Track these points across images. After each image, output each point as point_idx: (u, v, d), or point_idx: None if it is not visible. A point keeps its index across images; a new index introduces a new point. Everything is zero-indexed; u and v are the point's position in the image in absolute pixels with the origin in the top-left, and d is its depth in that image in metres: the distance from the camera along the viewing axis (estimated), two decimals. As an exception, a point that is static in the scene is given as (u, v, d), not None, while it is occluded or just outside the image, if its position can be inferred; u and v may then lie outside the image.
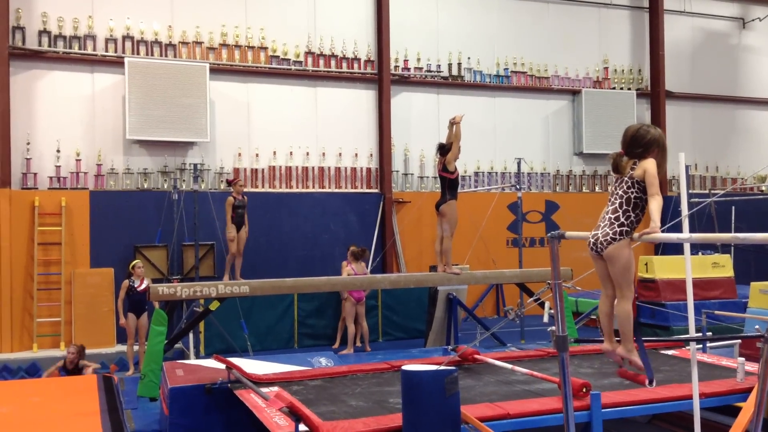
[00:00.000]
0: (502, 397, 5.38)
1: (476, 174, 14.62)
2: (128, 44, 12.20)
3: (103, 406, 6.27)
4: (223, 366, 6.34)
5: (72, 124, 11.79)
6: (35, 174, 11.50)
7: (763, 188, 17.07)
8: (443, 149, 8.53)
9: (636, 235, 4.14)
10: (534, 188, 15.08)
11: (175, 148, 12.35)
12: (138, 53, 12.21)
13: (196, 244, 11.55)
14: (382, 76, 13.71)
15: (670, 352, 7.18)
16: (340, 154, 13.55)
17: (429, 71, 14.32)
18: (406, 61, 14.14)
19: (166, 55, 12.40)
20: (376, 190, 13.75)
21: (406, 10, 14.19)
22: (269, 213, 12.63)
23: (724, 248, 13.16)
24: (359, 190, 13.67)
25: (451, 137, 8.53)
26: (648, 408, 5.40)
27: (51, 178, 11.62)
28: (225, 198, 10.89)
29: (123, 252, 11.58)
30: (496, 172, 14.78)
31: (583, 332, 10.55)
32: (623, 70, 16.11)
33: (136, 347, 9.81)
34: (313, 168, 13.34)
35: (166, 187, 12.13)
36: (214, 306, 7.97)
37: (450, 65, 14.51)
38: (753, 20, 17.24)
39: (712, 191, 15.81)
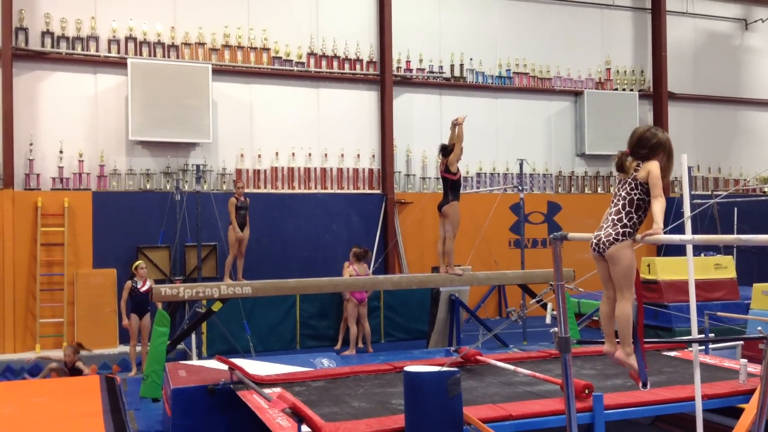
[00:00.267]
0: (505, 398, 5.38)
1: (478, 175, 14.62)
2: (131, 45, 12.22)
3: (105, 406, 6.29)
4: (225, 367, 6.34)
5: (75, 125, 11.82)
6: (38, 175, 11.52)
7: (766, 189, 17.06)
8: (445, 150, 8.54)
9: (639, 236, 4.14)
10: (536, 189, 15.08)
11: (177, 149, 12.37)
12: (141, 54, 12.23)
13: (198, 244, 11.57)
14: (384, 77, 13.72)
15: (672, 354, 7.17)
16: (342, 155, 13.55)
17: (431, 72, 14.33)
18: (408, 62, 14.16)
19: (168, 56, 12.42)
20: (378, 191, 13.76)
21: (408, 11, 14.20)
22: (271, 214, 12.64)
23: (726, 249, 13.15)
24: (361, 191, 13.68)
25: (454, 138, 8.54)
26: (651, 409, 5.39)
27: (54, 178, 11.64)
28: (227, 199, 10.93)
29: (125, 253, 11.59)
30: (499, 173, 14.78)
31: (586, 334, 10.54)
32: (625, 71, 16.10)
33: (138, 348, 9.82)
34: (315, 169, 13.35)
35: (168, 188, 12.15)
36: (216, 307, 7.98)
37: (452, 66, 14.52)
38: (755, 21, 17.23)
39: (715, 192, 15.79)
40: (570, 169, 15.49)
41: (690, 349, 6.88)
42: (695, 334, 5.23)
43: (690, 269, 5.00)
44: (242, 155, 12.83)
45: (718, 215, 13.76)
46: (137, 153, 12.19)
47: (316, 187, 13.35)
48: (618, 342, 4.41)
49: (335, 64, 13.61)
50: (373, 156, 13.80)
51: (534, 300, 9.10)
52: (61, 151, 11.67)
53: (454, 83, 14.52)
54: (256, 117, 13.02)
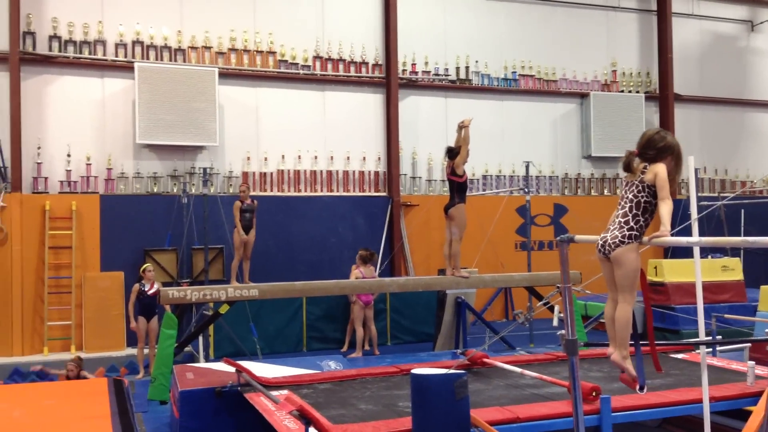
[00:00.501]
0: (512, 400, 5.38)
1: (484, 177, 14.62)
2: (138, 49, 12.27)
3: (113, 409, 6.31)
4: (233, 369, 6.36)
5: (82, 129, 11.87)
6: (46, 178, 11.58)
7: (773, 191, 17.00)
8: (452, 153, 8.55)
9: (646, 238, 4.15)
10: (542, 191, 15.07)
11: (184, 152, 12.41)
12: (147, 58, 12.28)
13: (205, 247, 11.60)
14: (389, 80, 13.74)
15: (679, 356, 7.17)
16: (348, 158, 13.58)
17: (437, 75, 14.34)
18: (413, 64, 14.17)
19: (175, 60, 12.47)
20: (384, 194, 13.77)
21: (414, 14, 14.22)
22: (278, 216, 12.66)
23: (733, 251, 13.11)
24: (367, 193, 13.69)
25: (460, 141, 8.55)
26: (658, 412, 5.39)
27: (61, 182, 11.70)
28: (234, 202, 10.97)
29: (133, 256, 11.64)
30: (505, 176, 14.78)
31: (592, 336, 10.53)
32: (631, 73, 16.09)
33: (146, 351, 9.85)
34: (321, 171, 13.38)
35: (175, 191, 12.19)
36: (223, 309, 8.01)
37: (458, 69, 14.53)
38: (762, 23, 17.19)
39: (722, 194, 15.76)
40: (576, 171, 15.48)
41: (697, 351, 6.87)
42: (703, 337, 5.23)
43: (697, 271, 5.00)
44: (248, 158, 12.86)
45: (725, 217, 13.72)
46: (144, 156, 12.24)
47: (322, 190, 13.37)
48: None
49: (341, 67, 13.64)
50: (379, 159, 13.82)
51: (541, 303, 9.09)
52: (68, 155, 11.72)
53: (460, 86, 14.53)
54: (262, 120, 13.06)
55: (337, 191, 13.49)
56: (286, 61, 13.26)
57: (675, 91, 16.04)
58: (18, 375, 10.13)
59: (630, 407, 5.23)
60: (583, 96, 15.45)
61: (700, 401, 5.03)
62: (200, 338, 9.69)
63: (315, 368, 7.18)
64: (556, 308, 8.96)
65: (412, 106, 14.17)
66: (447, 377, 4.23)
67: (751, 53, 17.25)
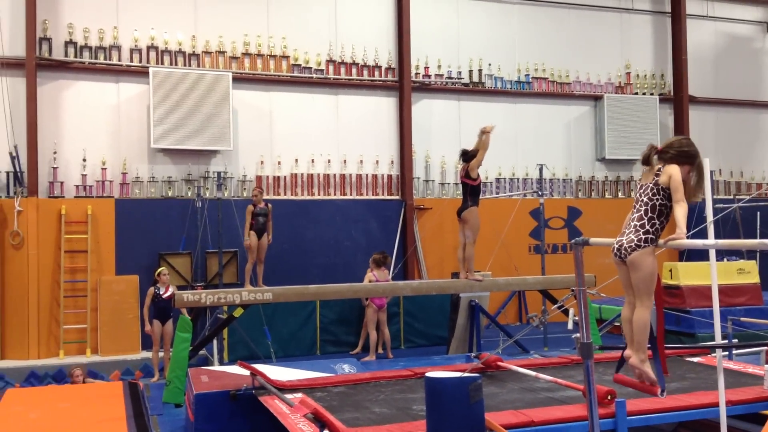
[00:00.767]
0: (526, 404, 5.37)
1: (498, 180, 14.60)
2: (153, 54, 12.35)
3: (129, 411, 6.37)
4: (247, 372, 6.39)
5: (98, 134, 11.96)
6: (62, 183, 11.67)
7: (789, 193, 16.86)
8: (466, 155, 8.54)
9: (661, 241, 4.13)
10: (556, 194, 15.03)
11: (198, 157, 12.48)
12: (162, 63, 12.36)
13: (219, 251, 11.65)
14: (402, 84, 13.75)
15: (695, 360, 7.12)
16: (361, 161, 13.60)
17: (450, 78, 14.34)
18: (426, 68, 14.18)
19: (189, 65, 12.55)
20: (397, 197, 13.78)
21: (427, 17, 14.23)
22: (291, 220, 12.70)
23: (749, 254, 13.01)
24: (380, 197, 13.71)
25: (479, 145, 8.54)
26: (674, 416, 5.35)
27: (77, 186, 11.79)
28: (248, 206, 11.01)
29: (148, 259, 11.71)
30: (518, 179, 14.74)
31: (607, 339, 10.48)
32: (645, 76, 16.01)
33: (161, 354, 9.91)
34: (334, 175, 13.40)
35: (189, 195, 12.26)
36: (238, 313, 8.04)
37: (471, 72, 14.53)
38: (777, 24, 17.07)
39: (737, 197, 15.64)
40: (590, 174, 15.42)
41: (713, 354, 6.82)
42: (719, 340, 5.19)
43: (713, 274, 4.97)
44: (262, 162, 12.91)
45: (741, 220, 13.62)
46: (159, 161, 12.32)
47: (335, 194, 13.40)
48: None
49: (354, 70, 13.67)
50: (392, 162, 13.83)
51: (556, 306, 9.06)
52: (84, 159, 11.82)
53: (473, 89, 14.52)
54: (275, 124, 13.10)
55: (351, 195, 13.51)
56: (300, 65, 13.30)
57: (689, 93, 15.95)
58: (34, 378, 10.22)
59: (645, 411, 5.20)
60: (597, 98, 15.40)
61: (716, 405, 4.99)
62: (214, 341, 9.74)
63: (329, 371, 7.20)
64: (571, 311, 8.93)
65: (425, 109, 14.17)
66: (461, 380, 4.23)
67: (766, 54, 17.12)
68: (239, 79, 12.74)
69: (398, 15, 13.91)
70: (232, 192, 12.64)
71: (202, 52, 12.68)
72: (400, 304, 11.70)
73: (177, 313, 9.01)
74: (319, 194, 13.26)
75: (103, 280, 11.40)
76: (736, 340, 7.48)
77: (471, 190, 8.48)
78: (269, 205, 11.03)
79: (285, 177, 13.05)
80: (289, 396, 5.68)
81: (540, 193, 12.29)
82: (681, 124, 15.78)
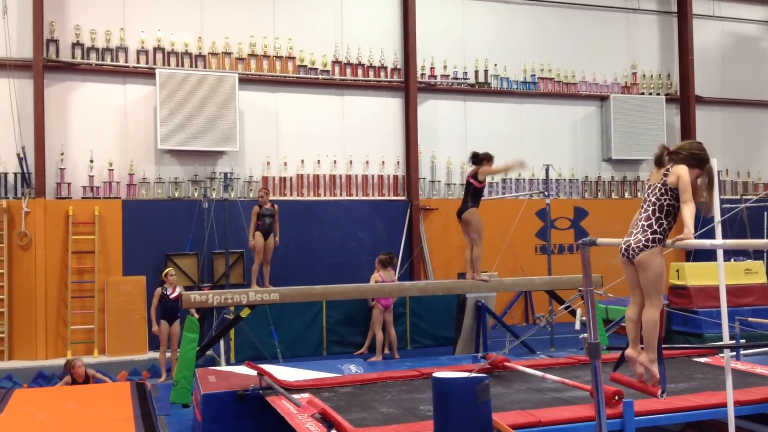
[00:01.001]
0: (534, 404, 5.37)
1: (504, 181, 14.58)
2: (159, 55, 12.39)
3: (136, 412, 6.39)
4: (254, 372, 6.40)
5: (105, 135, 12.00)
6: (69, 184, 11.71)
7: (797, 193, 16.79)
8: (476, 158, 8.55)
9: (669, 241, 4.13)
10: (562, 195, 15.01)
11: (205, 158, 12.51)
12: (169, 64, 12.40)
13: (226, 252, 11.67)
14: (408, 84, 13.76)
15: (702, 360, 7.11)
16: (367, 162, 13.61)
17: (455, 78, 14.34)
18: (432, 68, 14.18)
19: (196, 66, 12.58)
20: (403, 198, 13.79)
21: (432, 17, 14.24)
22: (297, 221, 12.71)
23: (756, 254, 12.97)
24: (386, 197, 13.71)
25: (503, 166, 8.69)
26: (681, 416, 5.35)
27: (84, 187, 11.83)
28: (254, 206, 11.03)
29: (154, 260, 11.74)
30: (524, 179, 14.72)
31: (614, 340, 10.46)
32: (652, 76, 15.98)
33: (168, 354, 9.94)
34: (340, 176, 13.41)
35: (196, 195, 12.29)
36: (245, 313, 8.05)
37: (476, 72, 14.52)
38: (784, 23, 17.01)
39: (744, 197, 15.59)
40: (596, 174, 15.39)
41: (721, 355, 6.81)
42: (726, 340, 5.18)
43: (721, 274, 4.96)
44: (268, 163, 12.94)
45: (748, 220, 13.58)
46: (166, 162, 12.35)
47: (341, 194, 13.41)
48: (642, 348, 4.39)
49: (360, 71, 13.68)
50: (398, 162, 13.83)
51: (563, 306, 9.05)
52: (91, 161, 11.86)
53: (479, 89, 14.51)
54: (281, 125, 13.13)
55: (357, 195, 13.52)
56: (306, 66, 13.32)
57: (696, 92, 15.91)
58: (42, 378, 10.26)
59: (653, 411, 5.19)
60: (603, 98, 15.37)
61: (724, 405, 4.98)
62: (221, 342, 9.76)
63: (336, 372, 7.21)
64: (579, 312, 8.92)
65: (431, 109, 14.18)
66: (469, 381, 4.23)
67: (773, 54, 17.07)
68: (245, 80, 12.76)
69: (404, 16, 13.92)
70: (239, 193, 12.67)
71: (209, 53, 12.71)
72: (406, 305, 11.70)
73: (184, 314, 9.03)
74: (325, 195, 13.28)
75: (110, 281, 11.44)
76: (744, 341, 7.46)
77: (474, 191, 8.49)
78: (275, 206, 11.05)
79: (291, 178, 13.07)
80: (296, 396, 5.69)
81: (546, 193, 12.28)
82: (687, 124, 15.75)
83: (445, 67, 14.28)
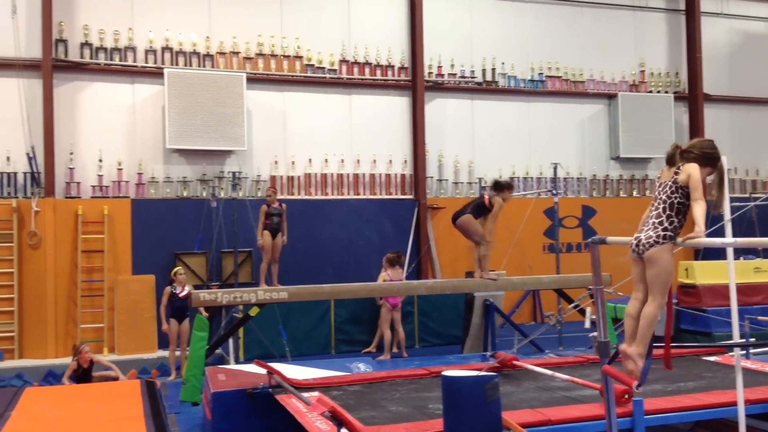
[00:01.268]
0: (543, 403, 5.36)
1: (511, 179, 14.54)
2: (167, 55, 12.43)
3: (146, 410, 6.40)
4: (263, 371, 6.42)
5: (113, 134, 12.06)
6: (78, 183, 11.77)
7: (806, 191, 16.71)
8: (498, 186, 8.52)
9: (680, 239, 4.12)
10: (570, 193, 14.98)
11: (213, 157, 12.55)
12: (177, 64, 12.44)
13: (235, 251, 11.70)
14: (416, 83, 13.76)
15: (712, 359, 7.09)
16: (374, 161, 13.62)
17: (463, 77, 14.33)
18: (439, 67, 14.18)
19: (204, 66, 12.62)
20: (410, 197, 13.79)
21: (440, 16, 14.23)
22: (305, 220, 12.73)
23: (766, 253, 12.91)
24: (394, 196, 13.72)
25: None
26: (691, 415, 5.34)
27: (93, 187, 11.89)
28: (262, 205, 11.06)
29: (163, 259, 11.78)
30: (532, 178, 14.71)
31: (623, 338, 10.43)
32: (660, 74, 15.93)
33: (177, 353, 9.97)
34: (347, 175, 13.43)
35: (204, 195, 12.33)
36: (254, 312, 8.07)
37: (484, 71, 14.51)
38: (793, 20, 16.93)
39: (753, 195, 15.52)
40: (605, 173, 15.36)
41: (730, 353, 6.79)
42: (737, 339, 5.17)
43: (731, 273, 4.95)
44: (276, 162, 12.96)
45: (757, 218, 13.52)
46: (174, 161, 12.40)
47: (348, 193, 13.43)
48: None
49: (367, 70, 13.69)
50: (405, 161, 13.84)
51: (572, 305, 9.04)
52: (100, 160, 11.91)
53: (486, 88, 14.50)
54: (289, 124, 13.15)
55: (364, 194, 13.54)
56: (313, 65, 13.34)
57: (704, 91, 15.86)
58: (52, 377, 10.31)
59: (662, 410, 5.18)
60: (611, 97, 15.34)
61: (734, 404, 4.96)
62: (230, 340, 9.79)
63: (344, 370, 7.22)
64: (588, 310, 8.90)
65: (438, 108, 14.18)
66: (478, 379, 4.23)
67: (782, 52, 17.00)
68: (253, 80, 12.79)
69: (411, 14, 13.92)
70: (247, 192, 12.70)
71: (217, 52, 12.74)
72: (414, 304, 11.70)
73: (193, 312, 9.07)
74: (332, 194, 13.30)
75: (119, 280, 11.49)
76: (754, 339, 7.43)
77: (480, 207, 8.48)
78: (283, 205, 11.07)
79: (299, 177, 13.10)
80: (305, 394, 5.70)
81: (554, 192, 12.27)
82: (696, 123, 15.70)
83: (452, 65, 14.28)
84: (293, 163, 13.09)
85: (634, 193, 15.48)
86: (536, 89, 14.86)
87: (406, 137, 13.90)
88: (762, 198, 13.52)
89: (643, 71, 15.74)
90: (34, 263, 11.25)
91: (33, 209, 11.21)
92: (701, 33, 15.82)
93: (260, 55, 13.01)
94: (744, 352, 6.96)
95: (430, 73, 14.09)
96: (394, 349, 10.84)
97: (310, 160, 13.18)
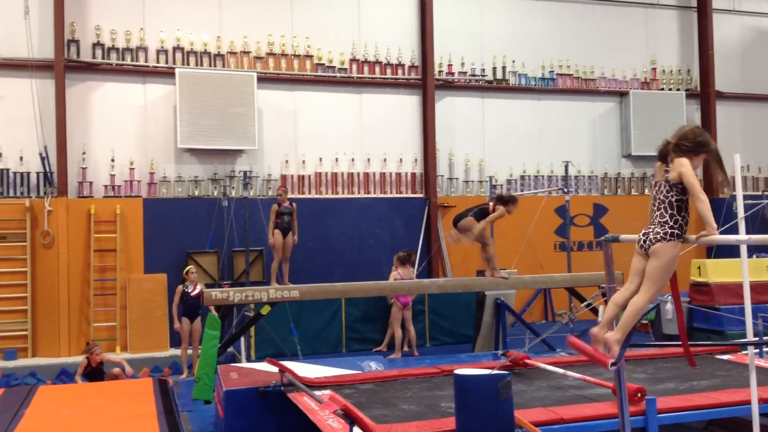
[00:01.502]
0: (555, 402, 5.35)
1: (522, 178, 14.54)
2: (178, 55, 12.48)
3: (159, 408, 6.44)
4: (275, 369, 6.44)
5: (125, 134, 12.12)
6: (91, 183, 11.84)
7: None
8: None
9: (693, 237, 4.10)
10: (582, 191, 14.93)
11: (224, 156, 12.59)
12: (188, 64, 12.48)
13: (246, 249, 11.75)
14: (426, 81, 13.75)
15: (725, 357, 7.06)
16: (385, 160, 13.62)
17: (473, 75, 14.31)
18: (450, 65, 14.16)
19: (215, 65, 12.66)
20: (421, 195, 13.79)
21: (450, 14, 14.21)
22: (316, 219, 12.76)
23: (778, 251, 12.83)
24: (404, 195, 13.72)
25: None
26: (704, 413, 5.31)
27: (106, 186, 11.96)
28: (273, 204, 11.10)
29: (175, 258, 11.84)
30: (543, 176, 14.67)
31: (635, 337, 10.40)
32: (672, 71, 15.85)
33: (189, 351, 10.02)
34: (358, 174, 13.44)
35: (216, 194, 12.37)
36: (265, 310, 8.10)
37: (494, 69, 14.48)
38: (806, 17, 16.79)
39: (766, 193, 15.42)
40: (616, 171, 15.30)
41: (744, 352, 6.75)
42: (750, 337, 5.14)
43: (744, 270, 4.91)
44: (287, 161, 12.99)
45: (770, 216, 13.42)
46: (185, 160, 12.45)
47: (359, 192, 13.44)
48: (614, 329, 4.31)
49: (377, 69, 13.69)
50: (416, 160, 13.84)
51: (584, 303, 9.02)
52: (112, 160, 11.97)
53: (497, 86, 14.47)
54: (300, 123, 13.17)
55: (374, 193, 13.54)
56: (323, 64, 13.36)
57: (716, 88, 15.76)
58: (65, 375, 10.38)
59: (676, 408, 5.16)
60: (623, 94, 15.28)
61: (748, 402, 4.93)
62: (242, 339, 9.82)
63: (356, 369, 7.22)
64: (601, 309, 8.87)
65: (448, 107, 14.16)
66: (490, 378, 4.22)
67: (795, 48, 16.87)
68: (264, 79, 12.82)
69: (421, 13, 13.91)
70: (258, 191, 12.73)
71: (227, 52, 12.78)
72: (425, 302, 11.70)
73: (205, 311, 9.11)
74: (343, 193, 13.31)
75: (131, 279, 11.55)
76: (767, 338, 7.39)
77: (484, 212, 8.55)
78: (294, 204, 11.10)
79: (309, 176, 13.12)
80: (317, 393, 5.71)
81: (565, 190, 12.23)
82: (708, 120, 15.61)
83: (462, 63, 14.26)
84: (304, 162, 13.11)
85: (646, 191, 15.40)
86: (547, 87, 14.82)
87: (416, 136, 13.90)
88: (775, 196, 13.44)
89: (654, 69, 15.67)
90: (47, 262, 11.33)
91: (46, 209, 11.28)
92: (713, 30, 15.73)
93: (271, 54, 13.04)
94: (758, 350, 6.92)
95: (440, 71, 14.07)
96: (405, 348, 10.85)
97: (320, 159, 13.20)
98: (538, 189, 14.28)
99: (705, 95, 15.76)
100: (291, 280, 10.98)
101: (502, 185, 14.28)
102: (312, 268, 12.28)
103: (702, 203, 4.01)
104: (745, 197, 5.07)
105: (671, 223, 4.11)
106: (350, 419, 4.46)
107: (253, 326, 9.55)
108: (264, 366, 6.98)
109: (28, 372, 10.32)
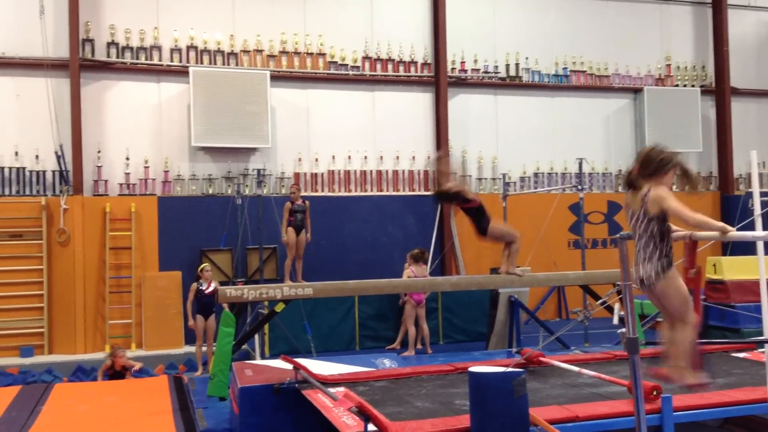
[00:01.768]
0: (570, 399, 5.34)
1: (536, 175, 14.50)
2: (192, 54, 12.53)
3: (175, 405, 6.47)
4: (289, 366, 6.46)
5: (140, 133, 12.18)
6: (106, 181, 11.92)
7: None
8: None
9: (710, 233, 4.10)
10: (596, 189, 14.86)
11: (238, 154, 12.63)
12: (202, 62, 12.53)
13: (260, 247, 11.78)
14: (439, 79, 13.73)
15: (741, 355, 7.01)
16: (397, 157, 13.62)
17: (486, 72, 14.28)
18: (463, 62, 14.14)
19: (228, 64, 12.70)
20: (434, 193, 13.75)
21: (463, 11, 14.18)
22: (329, 217, 12.78)
23: (795, 248, 12.71)
24: (417, 192, 13.71)
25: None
26: (720, 411, 5.28)
27: (121, 184, 12.03)
28: (286, 202, 11.13)
29: (190, 256, 11.90)
30: (556, 173, 14.61)
31: (649, 335, 10.35)
32: (686, 67, 15.74)
33: (204, 348, 10.06)
34: (371, 171, 13.45)
35: (229, 192, 12.42)
36: (279, 308, 8.12)
37: (507, 66, 14.44)
38: (823, 12, 16.62)
39: (782, 189, 15.30)
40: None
41: (760, 350, 6.71)
42: (767, 335, 5.10)
43: (761, 267, 4.88)
44: (300, 159, 13.02)
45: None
46: (199, 159, 12.50)
47: (372, 190, 13.44)
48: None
49: (390, 67, 13.69)
50: (429, 157, 13.82)
51: (599, 301, 8.98)
52: (127, 158, 12.05)
53: (510, 83, 14.43)
54: (313, 121, 13.19)
55: (387, 191, 13.55)
56: (336, 62, 13.37)
57: (731, 84, 15.64)
58: (81, 372, 10.46)
59: (691, 407, 5.13)
60: (637, 91, 15.19)
61: (764, 401, 4.91)
62: (256, 336, 9.86)
63: (370, 366, 7.23)
64: (617, 306, 8.84)
65: (461, 104, 14.14)
66: (505, 375, 4.23)
67: (812, 44, 16.70)
68: (277, 77, 12.84)
69: (434, 10, 13.88)
70: (271, 189, 12.76)
71: (241, 51, 12.82)
72: (438, 300, 11.69)
73: (219, 308, 9.14)
74: (356, 191, 13.32)
75: (146, 276, 11.62)
76: (784, 336, 7.33)
77: (481, 211, 8.33)
78: (306, 202, 11.13)
79: (322, 174, 13.14)
80: (331, 390, 5.73)
81: (579, 187, 12.16)
82: (723, 116, 15.50)
83: (475, 61, 14.23)
84: (317, 160, 13.13)
85: (660, 188, 15.29)
86: (560, 84, 14.76)
87: (429, 133, 13.88)
88: (791, 192, 13.32)
89: (669, 65, 15.56)
90: (63, 260, 11.42)
91: (62, 207, 11.37)
92: (728, 26, 15.61)
93: (284, 52, 13.07)
94: (774, 348, 6.86)
95: (453, 68, 14.04)
96: (419, 346, 10.85)
97: (333, 157, 13.22)
98: (552, 186, 14.23)
99: (720, 91, 15.64)
100: (304, 278, 11.01)
101: (515, 182, 14.24)
102: (325, 266, 12.31)
103: (695, 215, 4.02)
104: (762, 194, 5.03)
105: (658, 255, 4.16)
106: (365, 416, 4.47)
107: (267, 324, 9.58)
108: (278, 363, 7.00)
109: (45, 369, 10.40)
